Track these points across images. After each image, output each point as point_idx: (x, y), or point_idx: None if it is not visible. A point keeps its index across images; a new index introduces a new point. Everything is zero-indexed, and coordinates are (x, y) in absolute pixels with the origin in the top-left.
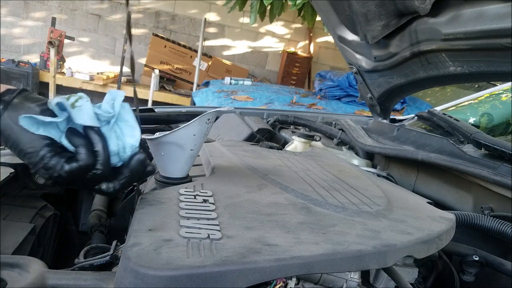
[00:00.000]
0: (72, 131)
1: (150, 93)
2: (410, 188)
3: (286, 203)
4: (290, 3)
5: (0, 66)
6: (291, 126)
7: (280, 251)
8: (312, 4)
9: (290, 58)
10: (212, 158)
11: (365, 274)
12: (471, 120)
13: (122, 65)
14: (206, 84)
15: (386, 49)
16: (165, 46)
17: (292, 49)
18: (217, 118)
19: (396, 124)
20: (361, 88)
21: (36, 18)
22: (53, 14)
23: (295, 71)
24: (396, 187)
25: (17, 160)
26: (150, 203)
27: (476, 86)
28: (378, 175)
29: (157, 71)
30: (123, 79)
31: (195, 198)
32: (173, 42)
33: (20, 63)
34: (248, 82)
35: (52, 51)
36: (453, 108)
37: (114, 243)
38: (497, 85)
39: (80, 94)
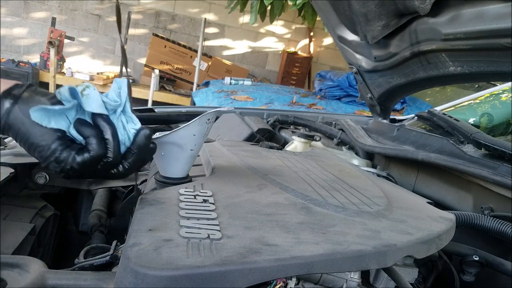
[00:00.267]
0: (81, 122)
1: (150, 93)
2: (410, 188)
3: (286, 203)
4: (290, 3)
5: (0, 66)
6: (291, 126)
7: (280, 251)
8: (312, 4)
9: (290, 58)
10: (212, 158)
11: (365, 274)
12: (471, 120)
13: (122, 65)
14: (206, 84)
15: (386, 49)
16: (165, 46)
17: (292, 49)
18: (217, 118)
19: (396, 124)
20: (361, 88)
21: (36, 18)
22: (53, 14)
23: (295, 71)
24: (396, 187)
25: (17, 160)
26: (150, 203)
27: (476, 86)
28: (378, 175)
29: (157, 71)
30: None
31: (195, 198)
32: (173, 42)
33: (20, 63)
34: (248, 82)
35: (52, 51)
36: (453, 108)
37: (114, 243)
38: (497, 85)
39: (86, 83)
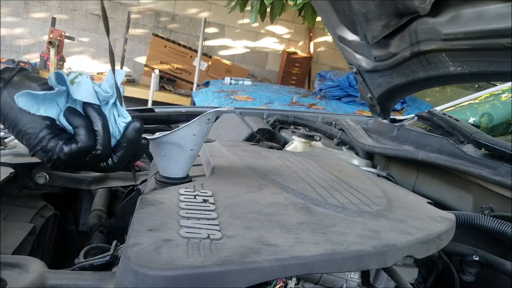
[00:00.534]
0: (71, 110)
1: (150, 93)
2: (410, 188)
3: (286, 203)
4: (290, 3)
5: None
6: (291, 126)
7: (280, 251)
8: (312, 4)
9: (290, 58)
10: (212, 158)
11: (365, 274)
12: (471, 120)
13: (122, 65)
14: (206, 84)
15: (386, 49)
16: (165, 46)
17: (292, 49)
18: (217, 118)
19: (396, 124)
20: (361, 88)
21: (36, 18)
22: (53, 14)
23: (295, 71)
24: (396, 187)
25: (17, 160)
26: (150, 203)
27: (476, 86)
28: (378, 175)
29: (157, 71)
30: (124, 79)
31: (195, 198)
32: (173, 42)
33: (20, 63)
34: (248, 82)
35: (52, 51)
36: (453, 108)
37: (114, 243)
38: (497, 85)
39: (80, 70)
